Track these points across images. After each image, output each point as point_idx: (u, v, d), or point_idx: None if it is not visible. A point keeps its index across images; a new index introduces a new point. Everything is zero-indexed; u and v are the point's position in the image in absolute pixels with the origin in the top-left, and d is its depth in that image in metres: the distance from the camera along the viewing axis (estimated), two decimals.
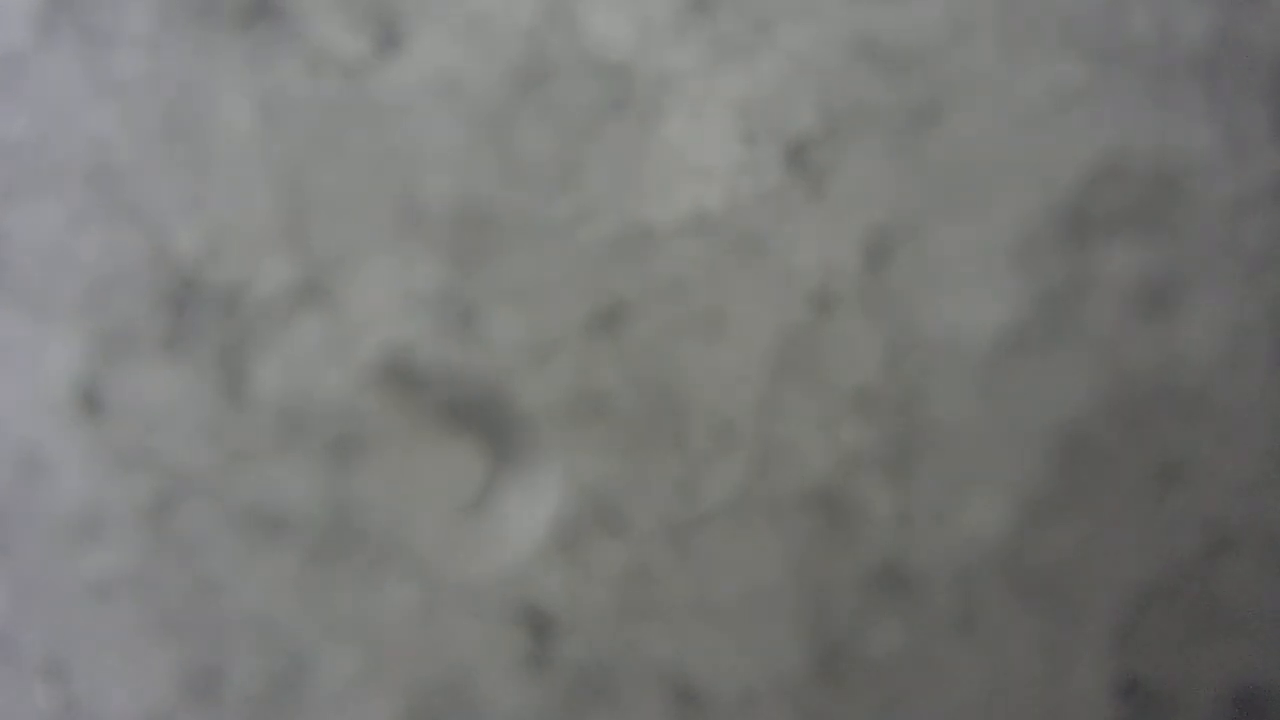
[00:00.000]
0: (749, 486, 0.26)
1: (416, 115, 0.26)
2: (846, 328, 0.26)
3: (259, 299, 0.26)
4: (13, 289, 0.26)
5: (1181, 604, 0.26)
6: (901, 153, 0.26)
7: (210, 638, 0.26)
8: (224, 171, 0.26)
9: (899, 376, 0.26)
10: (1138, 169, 0.26)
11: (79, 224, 0.26)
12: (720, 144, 0.26)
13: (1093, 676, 0.26)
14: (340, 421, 0.26)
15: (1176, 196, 0.26)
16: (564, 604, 0.26)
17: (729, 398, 0.26)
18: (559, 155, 0.26)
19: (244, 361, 0.26)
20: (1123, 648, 0.26)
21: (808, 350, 0.26)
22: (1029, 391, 0.26)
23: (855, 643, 0.26)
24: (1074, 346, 0.26)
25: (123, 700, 0.26)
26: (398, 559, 0.26)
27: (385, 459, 0.26)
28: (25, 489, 0.26)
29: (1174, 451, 0.26)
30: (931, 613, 0.26)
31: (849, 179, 0.26)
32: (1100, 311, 0.26)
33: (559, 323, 0.26)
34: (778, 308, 0.26)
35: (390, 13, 0.26)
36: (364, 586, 0.26)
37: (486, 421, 0.26)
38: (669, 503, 0.26)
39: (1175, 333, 0.26)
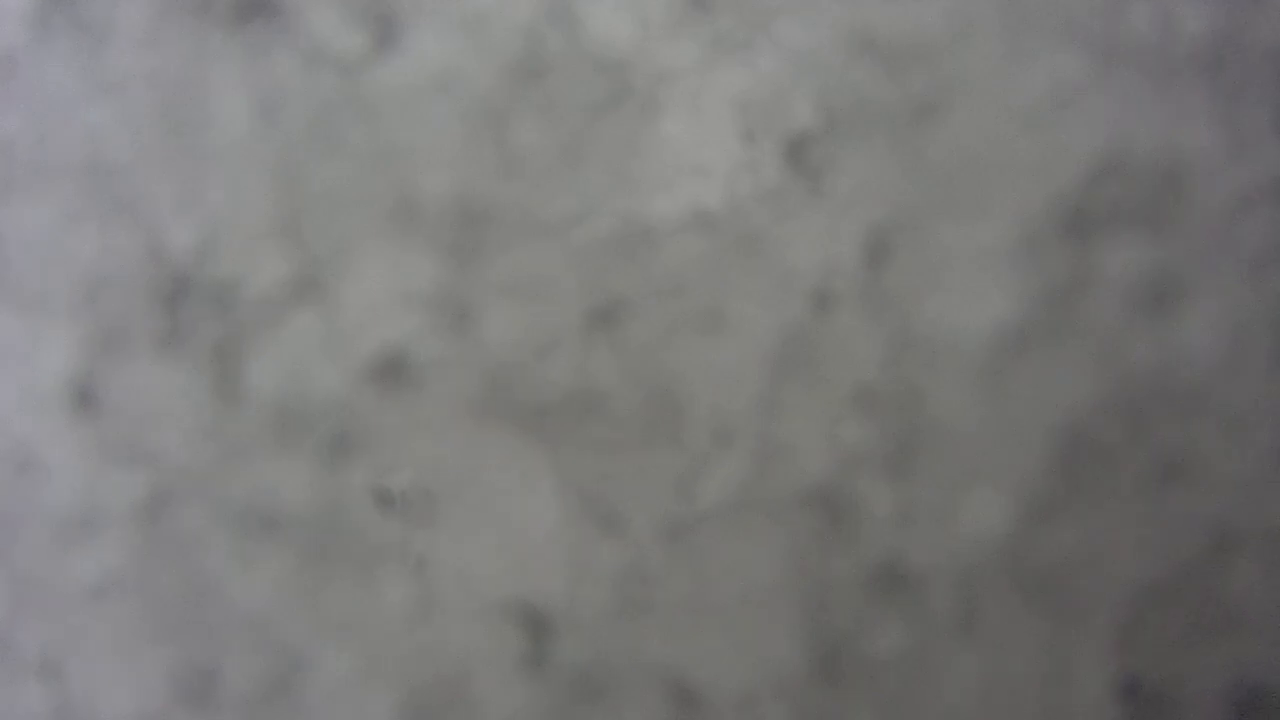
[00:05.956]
0: (748, 486, 0.26)
1: (413, 111, 0.26)
2: (846, 326, 0.26)
3: (254, 296, 0.26)
4: (7, 286, 0.26)
5: (1183, 603, 0.26)
6: (901, 150, 0.26)
7: (205, 637, 0.26)
8: (219, 168, 0.26)
9: (899, 375, 0.26)
10: (1139, 166, 0.26)
11: (74, 221, 0.26)
12: (719, 141, 0.26)
13: (1094, 676, 0.26)
14: (336, 419, 0.26)
15: (1178, 194, 0.26)
16: (562, 603, 0.26)
17: (728, 396, 0.26)
18: (557, 152, 0.26)
19: (239, 359, 0.26)
20: (1124, 647, 0.26)
21: (807, 349, 0.26)
22: (1029, 390, 0.26)
23: (855, 643, 0.26)
24: (1075, 345, 0.26)
25: (118, 700, 0.26)
26: (394, 557, 0.26)
27: (381, 456, 0.26)
28: (20, 487, 0.26)
29: (1175, 450, 0.26)
30: (931, 613, 0.26)
31: (849, 176, 0.26)
32: (1101, 309, 0.26)
33: (557, 320, 0.26)
34: (777, 306, 0.26)
35: (388, 9, 0.26)
36: (360, 585, 0.26)
37: (482, 419, 0.26)
38: (667, 502, 0.26)
39: (1176, 331, 0.26)
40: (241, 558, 0.26)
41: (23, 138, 0.26)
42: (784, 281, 0.26)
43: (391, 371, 0.26)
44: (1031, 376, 0.26)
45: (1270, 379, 0.26)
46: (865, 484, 0.26)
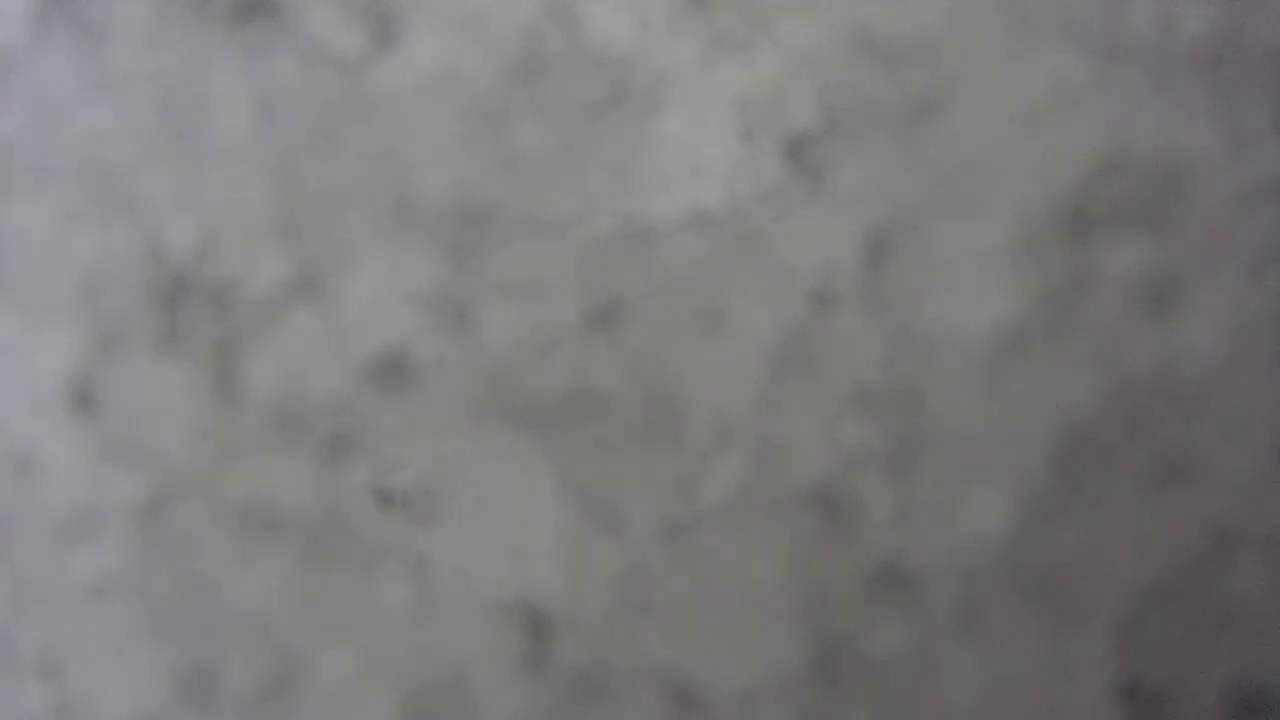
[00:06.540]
0: (748, 485, 0.26)
1: (413, 110, 0.26)
2: (846, 325, 0.26)
3: (253, 295, 0.26)
4: (7, 286, 0.26)
5: (1183, 603, 0.26)
6: (901, 149, 0.26)
7: (204, 637, 0.26)
8: (219, 167, 0.26)
9: (899, 374, 0.26)
10: (1139, 165, 0.26)
11: (73, 221, 0.26)
12: (719, 141, 0.26)
13: (1094, 677, 0.26)
14: (336, 419, 0.26)
15: (1178, 193, 0.26)
16: (562, 603, 0.26)
17: (727, 396, 0.26)
18: (556, 151, 0.26)
19: (238, 358, 0.26)
20: (1124, 648, 0.26)
21: (807, 348, 0.26)
22: (1030, 389, 0.26)
23: (855, 643, 0.26)
24: (1075, 344, 0.26)
25: (117, 700, 0.26)
26: (394, 557, 0.26)
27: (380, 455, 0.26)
28: (20, 487, 0.26)
29: (1175, 450, 0.26)
30: (931, 613, 0.26)
31: (848, 175, 0.26)
32: (1101, 309, 0.26)
33: (556, 320, 0.26)
34: (777, 305, 0.26)
35: (387, 9, 0.26)
36: (359, 585, 0.26)
37: (482, 419, 0.26)
38: (667, 501, 0.26)
39: (1177, 330, 0.26)
40: (241, 558, 0.26)
41: (23, 138, 0.26)
42: (784, 281, 0.26)
43: (391, 371, 0.26)
44: (1031, 376, 0.26)
45: (1270, 379, 0.26)
46: (865, 484, 0.26)
